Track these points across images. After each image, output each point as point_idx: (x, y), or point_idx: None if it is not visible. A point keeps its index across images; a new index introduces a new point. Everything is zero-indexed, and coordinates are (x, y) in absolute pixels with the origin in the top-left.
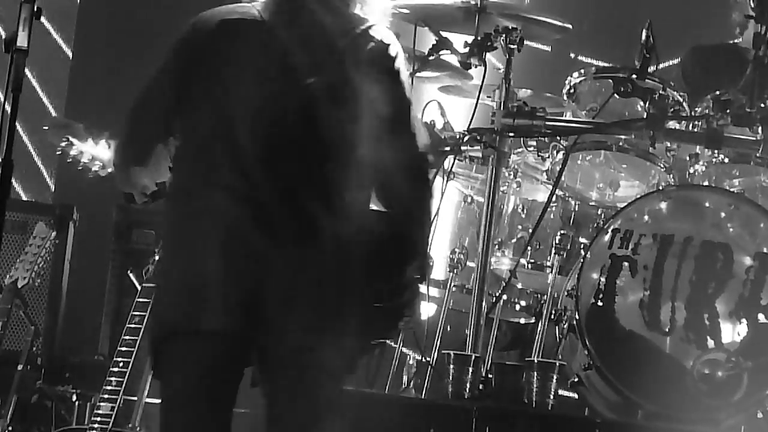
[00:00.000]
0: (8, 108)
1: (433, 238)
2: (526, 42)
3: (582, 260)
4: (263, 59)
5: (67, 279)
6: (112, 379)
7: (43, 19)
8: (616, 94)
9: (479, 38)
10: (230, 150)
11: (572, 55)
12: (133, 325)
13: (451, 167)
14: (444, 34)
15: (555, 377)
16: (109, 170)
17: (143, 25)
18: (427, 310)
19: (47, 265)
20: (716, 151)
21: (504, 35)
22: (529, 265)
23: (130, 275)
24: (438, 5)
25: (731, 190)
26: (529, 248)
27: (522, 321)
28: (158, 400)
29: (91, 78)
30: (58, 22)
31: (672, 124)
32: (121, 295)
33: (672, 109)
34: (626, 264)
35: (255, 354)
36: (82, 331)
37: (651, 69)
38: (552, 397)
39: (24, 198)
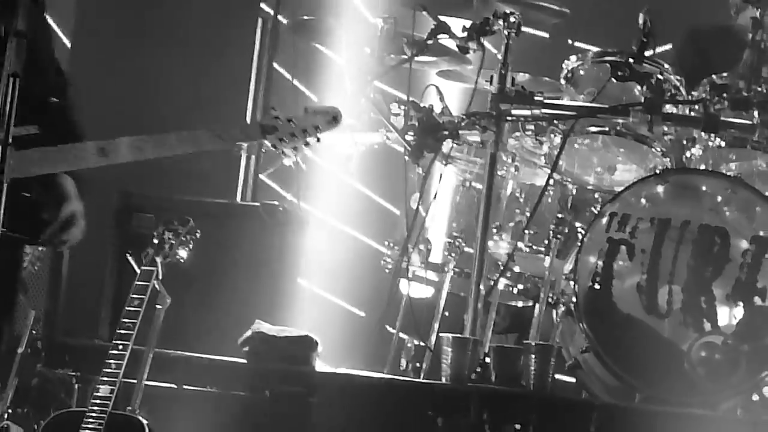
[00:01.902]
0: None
1: (432, 223)
2: (523, 27)
3: (579, 244)
4: None
5: (67, 263)
6: (112, 361)
7: None
8: (613, 79)
9: (477, 23)
10: None
11: (570, 41)
12: (132, 308)
13: (450, 151)
14: (442, 18)
15: (553, 361)
16: None
17: (142, 17)
18: (425, 294)
19: (47, 249)
20: (713, 135)
21: (502, 20)
22: (527, 249)
23: (130, 259)
24: None
25: (728, 174)
26: (526, 232)
27: (520, 304)
28: (157, 383)
29: (89, 69)
30: (57, 13)
31: (669, 109)
32: (120, 278)
33: (669, 94)
34: (624, 248)
35: None
36: (82, 315)
37: (648, 53)
38: (550, 380)
39: None
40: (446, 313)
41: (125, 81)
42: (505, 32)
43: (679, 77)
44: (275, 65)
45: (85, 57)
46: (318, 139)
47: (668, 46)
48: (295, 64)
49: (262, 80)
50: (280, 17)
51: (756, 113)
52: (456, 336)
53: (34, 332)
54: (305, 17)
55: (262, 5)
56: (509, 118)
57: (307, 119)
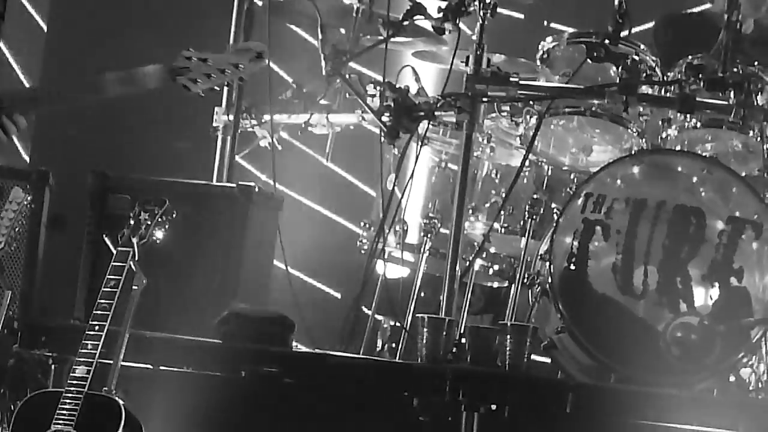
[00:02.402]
0: None
1: (408, 203)
2: (499, 8)
3: (555, 224)
4: None
5: (43, 244)
6: (88, 342)
7: None
8: (589, 60)
9: (453, 3)
10: None
11: (546, 22)
12: (108, 289)
13: (425, 132)
14: None
15: (528, 341)
16: None
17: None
18: (401, 274)
19: (23, 229)
20: (689, 116)
21: (478, 1)
22: (503, 230)
23: (106, 240)
24: None
25: (704, 154)
26: (502, 213)
27: (495, 285)
28: (133, 364)
29: (65, 51)
30: None
31: (645, 89)
32: (96, 259)
33: (645, 74)
34: (599, 228)
35: None
36: (58, 296)
37: (624, 34)
38: (525, 360)
39: None
40: (422, 294)
41: (101, 62)
42: (481, 13)
43: (654, 58)
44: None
45: (60, 39)
46: (242, 78)
47: (648, 25)
48: (270, 45)
49: None
50: None
51: (732, 94)
52: (431, 316)
53: (10, 313)
54: None
55: None
56: (485, 99)
57: (224, 58)
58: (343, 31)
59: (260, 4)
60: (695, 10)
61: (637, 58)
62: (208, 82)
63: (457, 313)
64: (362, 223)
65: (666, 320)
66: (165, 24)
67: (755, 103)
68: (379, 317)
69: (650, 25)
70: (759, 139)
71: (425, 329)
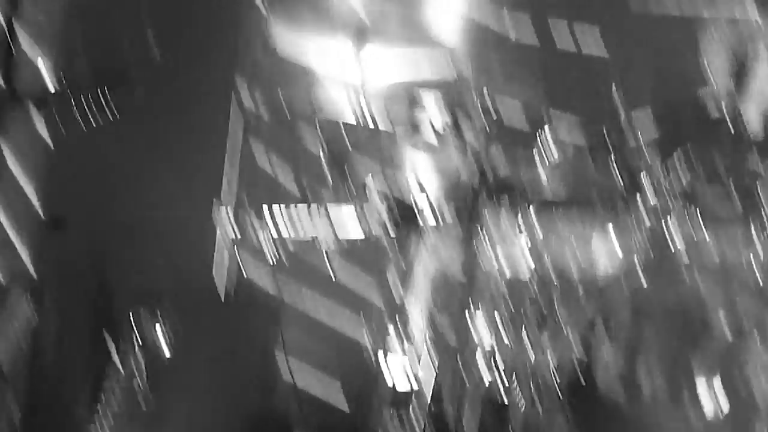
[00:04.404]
0: None
1: (412, 311)
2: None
3: (565, 336)
4: None
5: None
6: None
7: None
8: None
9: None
10: None
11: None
12: None
13: (427, 238)
14: None
15: None
16: None
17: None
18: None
19: (27, 334)
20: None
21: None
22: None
23: (107, 337)
24: None
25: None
26: (508, 325)
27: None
28: None
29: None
30: None
31: (647, 191)
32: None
33: (644, 174)
34: (605, 337)
35: None
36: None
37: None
38: None
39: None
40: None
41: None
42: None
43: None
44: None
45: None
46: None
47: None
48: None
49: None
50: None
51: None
52: None
53: None
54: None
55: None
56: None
57: None
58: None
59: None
60: None
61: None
62: None
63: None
64: (366, 329)
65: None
66: (164, 128)
67: None
68: None
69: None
70: None
71: None
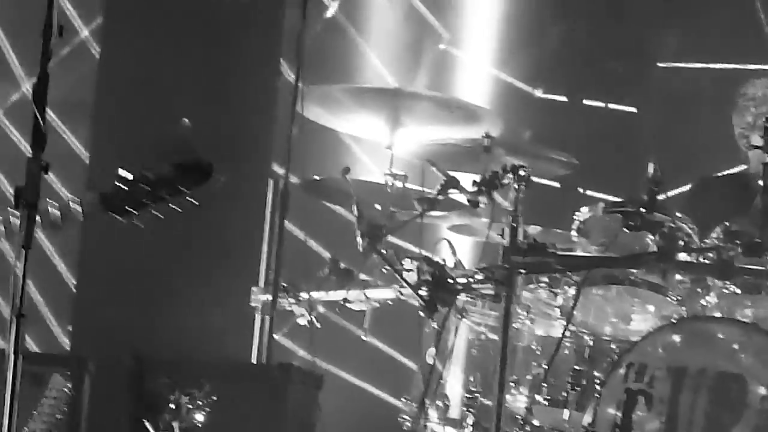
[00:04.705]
0: None
1: (449, 377)
2: (533, 178)
3: (598, 395)
4: None
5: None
6: None
7: None
8: (625, 229)
9: (487, 177)
10: None
11: (580, 190)
12: None
13: (464, 305)
14: (451, 173)
15: None
16: None
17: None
18: None
19: (64, 417)
20: (728, 282)
21: (511, 173)
22: (546, 402)
23: (147, 425)
24: (445, 144)
25: (743, 320)
26: (544, 385)
27: None
28: None
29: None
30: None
31: (683, 256)
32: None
33: (682, 242)
34: (642, 398)
35: None
36: None
37: (660, 200)
38: None
39: (37, 350)
40: None
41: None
42: (515, 185)
43: (691, 225)
44: (287, 224)
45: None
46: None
47: (683, 189)
48: (306, 222)
49: (274, 239)
50: (291, 177)
51: None
52: None
53: None
54: (315, 177)
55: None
56: (522, 271)
57: (164, 180)
58: (378, 206)
59: (295, 182)
60: (730, 172)
61: (673, 225)
62: (144, 211)
63: None
64: (403, 398)
65: None
66: (201, 206)
67: None
68: None
69: (684, 188)
70: None
71: None
